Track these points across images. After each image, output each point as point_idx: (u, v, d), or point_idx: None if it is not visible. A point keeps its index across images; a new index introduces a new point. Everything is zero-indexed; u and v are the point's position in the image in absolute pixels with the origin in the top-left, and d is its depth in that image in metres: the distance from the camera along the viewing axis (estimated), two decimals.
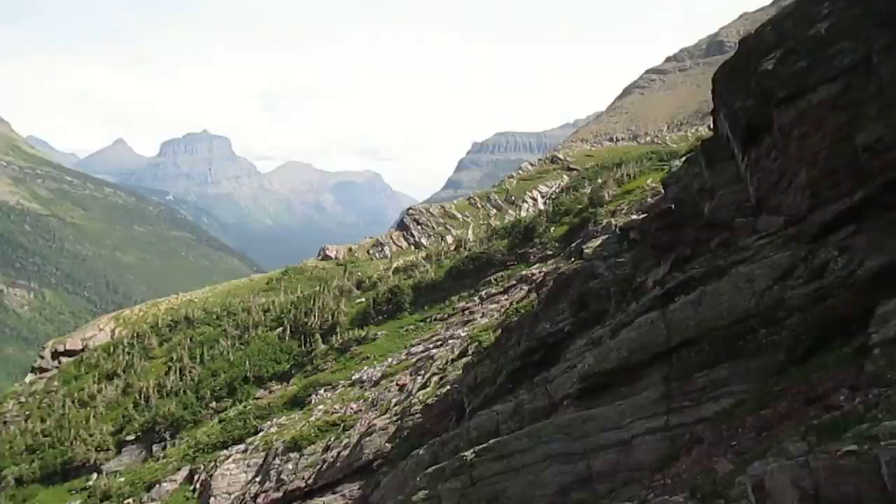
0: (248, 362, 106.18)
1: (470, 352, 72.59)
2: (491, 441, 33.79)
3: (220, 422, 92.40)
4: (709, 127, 55.83)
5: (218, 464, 75.70)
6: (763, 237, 32.50)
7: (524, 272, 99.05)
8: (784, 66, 33.49)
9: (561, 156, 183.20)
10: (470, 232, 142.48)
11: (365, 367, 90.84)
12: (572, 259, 77.64)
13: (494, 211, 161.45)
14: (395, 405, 71.27)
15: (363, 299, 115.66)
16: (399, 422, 63.82)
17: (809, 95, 31.47)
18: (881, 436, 12.73)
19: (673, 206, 44.32)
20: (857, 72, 30.01)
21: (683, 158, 76.16)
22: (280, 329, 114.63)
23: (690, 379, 29.19)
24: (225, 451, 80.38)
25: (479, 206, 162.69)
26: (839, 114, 30.19)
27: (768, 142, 34.23)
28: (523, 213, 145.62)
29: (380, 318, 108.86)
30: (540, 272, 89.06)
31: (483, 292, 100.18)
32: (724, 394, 27.94)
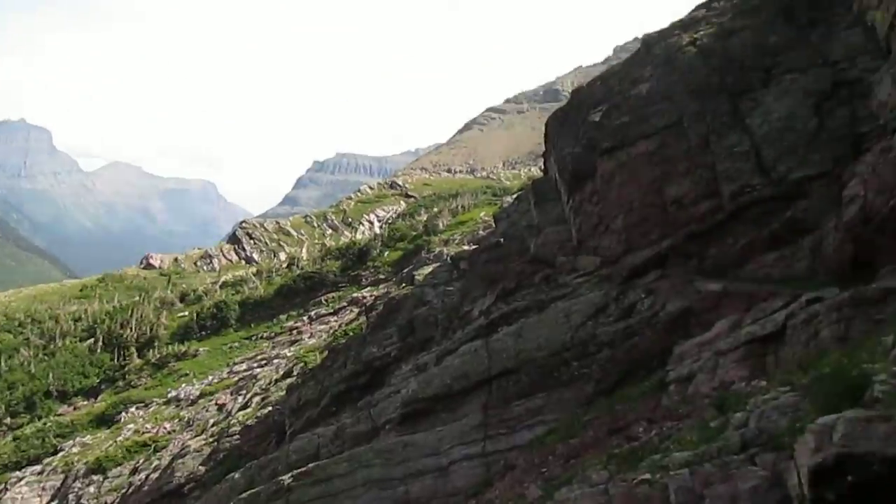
0: (51, 375, 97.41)
1: (295, 372, 71.25)
2: (310, 465, 33.27)
3: (14, 440, 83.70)
4: (540, 168, 59.04)
5: (8, 486, 68.70)
6: (581, 276, 34.71)
7: (355, 294, 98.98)
8: (609, 120, 36.24)
9: (400, 182, 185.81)
10: (304, 250, 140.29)
11: (183, 385, 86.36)
12: (403, 284, 78.72)
13: (330, 231, 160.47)
14: (213, 426, 68.37)
15: (186, 313, 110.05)
16: (216, 443, 61.23)
17: (629, 149, 34.26)
18: (671, 466, 13.95)
19: (502, 240, 46.33)
20: (670, 132, 33.08)
21: (515, 196, 79.83)
22: (91, 340, 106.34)
23: (508, 407, 30.44)
24: (18, 473, 73.01)
25: (316, 224, 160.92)
26: (653, 168, 33.06)
27: (591, 187, 36.79)
28: (359, 236, 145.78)
29: (203, 333, 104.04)
30: (371, 295, 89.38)
31: (313, 312, 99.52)
32: (538, 422, 29.36)
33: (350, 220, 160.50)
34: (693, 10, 39.64)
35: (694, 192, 31.60)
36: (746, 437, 12.50)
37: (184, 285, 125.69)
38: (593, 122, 36.91)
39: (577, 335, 30.29)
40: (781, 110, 30.16)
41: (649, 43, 39.36)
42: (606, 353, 29.21)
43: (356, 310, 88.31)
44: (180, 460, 60.69)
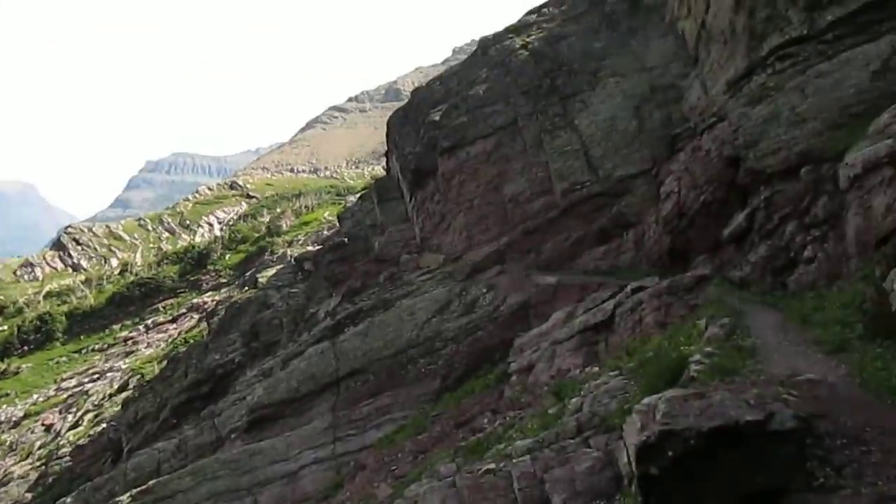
0: None
1: (131, 385, 67.36)
2: (151, 482, 31.58)
3: None
4: (383, 167, 59.23)
5: None
6: (425, 273, 35.28)
7: (195, 300, 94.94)
8: (448, 119, 37.06)
9: (241, 182, 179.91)
10: (138, 255, 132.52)
11: (3, 406, 78.81)
12: (246, 288, 76.46)
13: (167, 234, 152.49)
14: (40, 448, 63.32)
15: (5, 327, 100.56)
16: (44, 467, 56.84)
17: (468, 148, 35.23)
18: (514, 454, 14.51)
19: (346, 239, 46.06)
20: (506, 132, 34.37)
21: (359, 195, 79.58)
22: None
23: (357, 407, 30.38)
24: None
25: (151, 228, 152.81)
26: (491, 167, 34.22)
27: (433, 186, 37.51)
28: (198, 239, 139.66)
29: (25, 348, 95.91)
30: (212, 300, 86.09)
31: (149, 321, 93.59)
32: (386, 421, 29.53)
33: (188, 222, 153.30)
34: (525, 15, 41.35)
35: (530, 189, 33.00)
36: (581, 421, 13.22)
37: (1, 297, 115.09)
38: (433, 121, 37.59)
39: (422, 332, 30.73)
40: (606, 112, 32.15)
41: (485, 45, 40.62)
42: (451, 348, 29.86)
43: (196, 316, 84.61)
44: (3, 489, 55.59)
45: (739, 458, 7.45)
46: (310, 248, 78.76)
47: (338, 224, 64.62)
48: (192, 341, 69.82)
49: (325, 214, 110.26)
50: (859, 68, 19.27)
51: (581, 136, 32.23)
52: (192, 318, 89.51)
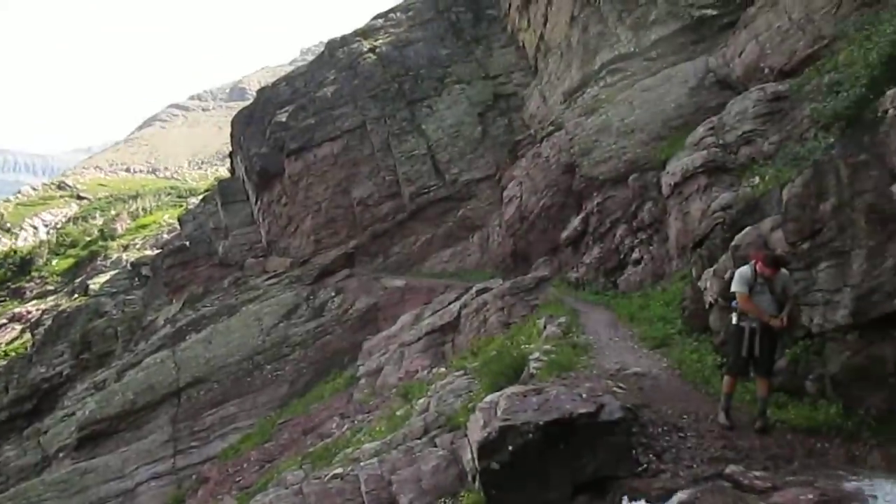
0: None
1: None
2: None
3: None
4: (228, 168, 57.24)
5: None
6: (272, 277, 34.52)
7: (18, 309, 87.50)
8: (295, 121, 36.50)
9: (70, 182, 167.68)
10: None
11: None
12: (76, 295, 71.47)
13: None
14: None
15: None
16: None
17: (315, 150, 34.87)
18: (362, 457, 14.53)
19: (188, 243, 44.10)
20: (354, 135, 34.35)
21: (202, 197, 76.38)
22: None
23: (199, 418, 29.20)
24: None
25: None
26: (339, 170, 34.07)
27: (280, 188, 36.76)
28: (21, 243, 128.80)
29: None
30: (37, 309, 79.75)
31: None
32: (231, 430, 28.58)
33: (9, 224, 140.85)
34: (372, 19, 41.50)
35: (378, 193, 33.15)
36: (427, 421, 13.46)
37: None
38: (280, 122, 36.89)
39: (269, 338, 30.06)
40: (452, 118, 32.92)
41: (332, 47, 40.37)
42: (299, 353, 29.42)
43: (19, 326, 77.77)
44: None
45: (574, 448, 7.89)
46: (147, 252, 74.75)
47: (179, 227, 61.70)
48: (13, 354, 64.16)
49: (165, 217, 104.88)
50: (679, 84, 20.96)
51: (428, 141, 32.81)
52: (13, 328, 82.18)
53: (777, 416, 8.65)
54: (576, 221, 23.35)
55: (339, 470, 13.83)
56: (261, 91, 43.98)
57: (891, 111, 7.75)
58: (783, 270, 8.49)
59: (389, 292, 29.52)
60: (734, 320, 8.71)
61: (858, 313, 8.02)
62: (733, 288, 8.65)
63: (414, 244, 32.49)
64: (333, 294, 30.64)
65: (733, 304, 8.75)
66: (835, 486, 6.58)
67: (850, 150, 8.29)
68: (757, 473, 7.20)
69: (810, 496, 6.07)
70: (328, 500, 13.04)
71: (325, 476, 13.81)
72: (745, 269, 8.63)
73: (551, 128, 25.18)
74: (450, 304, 23.82)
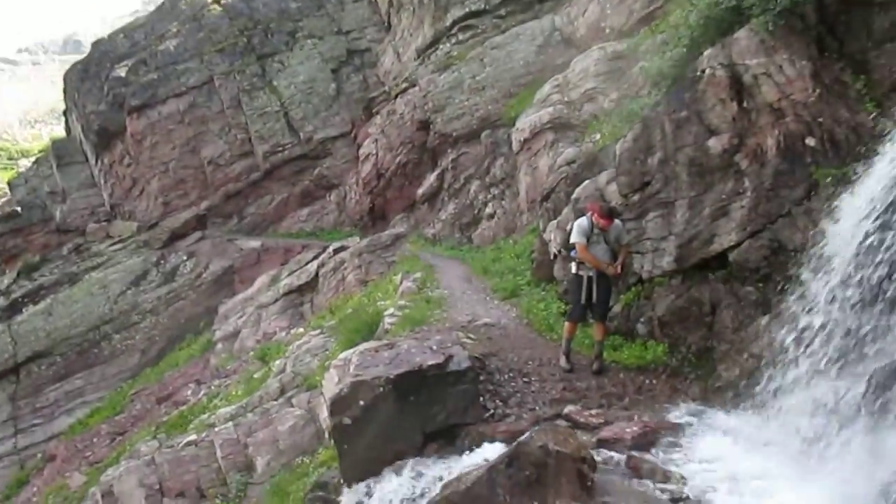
0: None
1: None
2: None
3: None
4: (63, 127, 53.08)
5: None
6: (118, 242, 32.60)
7: None
8: (136, 76, 34.23)
9: None
10: None
11: None
12: None
13: None
14: None
15: None
16: None
17: (160, 107, 32.93)
18: (217, 422, 14.28)
19: (20, 209, 40.69)
20: (202, 91, 32.70)
21: (35, 159, 70.44)
22: None
23: (42, 394, 27.49)
24: None
25: None
26: (187, 128, 32.43)
27: (122, 148, 34.56)
28: None
29: None
30: None
31: None
32: (79, 405, 27.13)
33: None
34: None
35: (230, 151, 31.97)
36: (284, 382, 13.39)
37: None
38: (119, 77, 34.50)
39: (116, 306, 28.60)
40: (305, 74, 32.11)
41: None
42: (151, 320, 28.24)
43: None
44: None
45: (424, 399, 8.11)
46: None
47: (9, 192, 56.73)
48: None
49: None
50: (527, 42, 21.49)
51: (281, 98, 31.87)
52: None
53: (612, 358, 9.27)
54: (431, 178, 23.62)
55: (194, 437, 13.58)
56: (96, 44, 40.77)
57: (707, 71, 8.33)
58: (617, 221, 9.02)
59: (245, 254, 28.77)
60: (573, 269, 9.16)
61: (681, 259, 8.69)
62: (572, 239, 9.12)
63: (269, 204, 31.71)
64: (185, 258, 29.47)
65: (573, 254, 9.17)
66: (657, 417, 7.19)
67: (674, 107, 8.84)
68: (592, 411, 7.74)
69: (635, 428, 6.61)
70: (182, 467, 12.79)
71: (179, 444, 13.49)
72: (582, 221, 9.03)
73: (405, 84, 25.13)
74: (307, 263, 23.57)
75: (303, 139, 31.38)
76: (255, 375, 16.57)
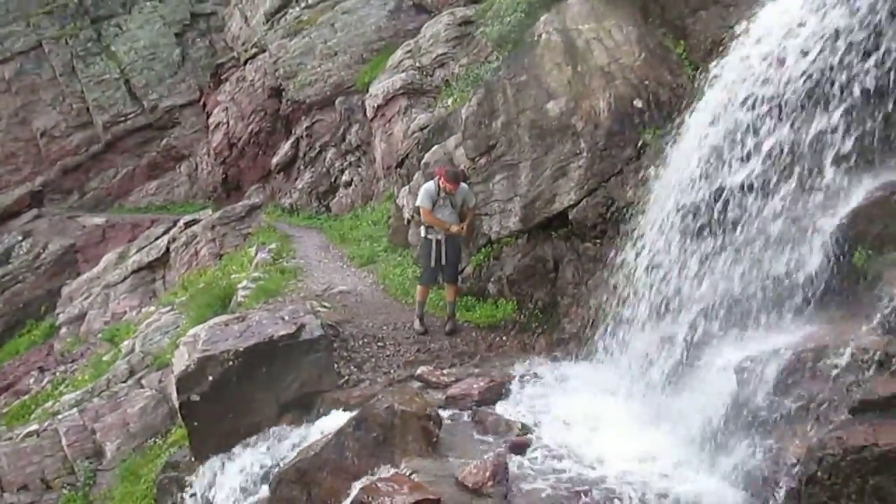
0: None
1: None
2: None
3: None
4: None
5: None
6: None
7: None
8: None
9: None
10: None
11: None
12: None
13: None
14: None
15: None
16: None
17: None
18: (62, 409, 13.46)
19: None
20: (29, 57, 30.10)
21: None
22: None
23: None
24: None
25: None
26: (14, 97, 29.77)
27: None
28: None
29: None
30: None
31: None
32: None
33: None
34: None
35: (66, 122, 29.72)
36: (133, 362, 12.82)
37: None
38: None
39: None
40: (146, 38, 30.25)
41: None
42: None
43: None
44: None
45: (277, 370, 8.04)
46: None
47: None
48: None
49: None
50: (378, 7, 21.26)
51: (120, 64, 29.86)
52: None
53: (465, 318, 9.52)
54: (286, 146, 23.06)
55: (35, 426, 12.76)
56: None
57: (543, 36, 8.59)
58: (463, 185, 9.14)
59: (88, 231, 27.00)
60: (423, 234, 9.23)
61: (526, 219, 9.01)
62: (417, 203, 9.21)
63: (114, 178, 29.82)
64: (20, 238, 27.26)
65: (423, 218, 9.27)
66: (505, 372, 7.49)
67: (514, 72, 9.07)
68: (444, 371, 7.94)
69: (482, 384, 6.84)
70: (23, 459, 12.03)
71: (19, 435, 12.65)
72: (429, 185, 9.09)
73: (255, 50, 24.24)
74: (157, 238, 22.42)
75: (147, 108, 29.65)
76: (104, 358, 15.73)
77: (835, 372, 4.26)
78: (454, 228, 8.96)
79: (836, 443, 3.85)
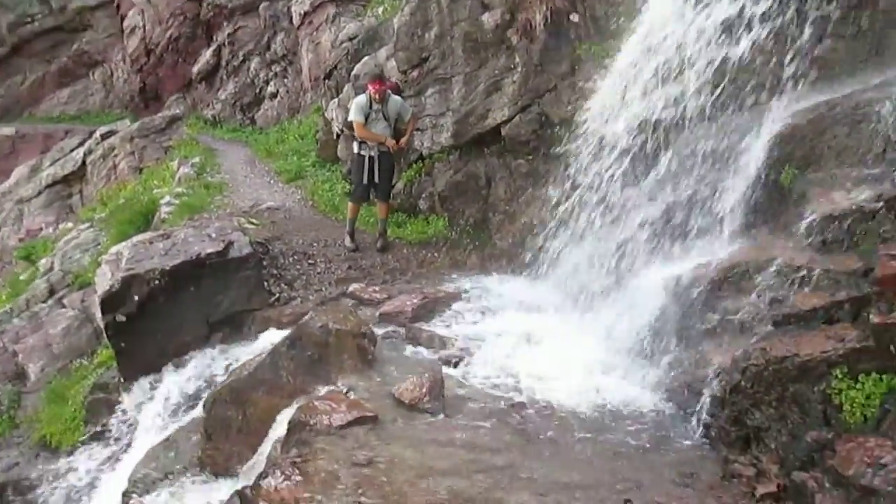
0: None
1: None
2: None
3: None
4: None
5: None
6: None
7: None
8: None
9: None
10: None
11: None
12: None
13: None
14: None
15: None
16: None
17: None
18: None
19: None
20: None
21: None
22: None
23: None
24: None
25: None
26: None
27: None
28: None
29: None
30: None
31: None
32: None
33: None
34: None
35: None
36: (52, 281, 12.37)
37: None
38: None
39: None
40: None
41: None
42: None
43: None
44: None
45: (205, 288, 7.85)
46: None
47: None
48: None
49: None
50: None
51: None
52: None
53: (396, 235, 9.45)
54: (207, 54, 22.03)
55: None
56: None
57: None
58: (395, 97, 8.82)
59: None
60: (356, 150, 8.91)
61: (458, 135, 8.89)
62: (350, 117, 8.87)
63: (22, 84, 28.01)
64: None
65: (354, 133, 8.93)
66: (437, 288, 7.51)
67: None
68: (376, 288, 7.91)
69: (415, 300, 6.86)
70: None
71: None
72: (360, 98, 8.72)
73: None
74: (72, 151, 21.36)
75: (55, 9, 27.66)
76: (21, 277, 15.12)
77: (759, 287, 4.43)
78: (389, 142, 8.71)
79: (760, 353, 4.02)
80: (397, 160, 9.54)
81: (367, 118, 8.68)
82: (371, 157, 8.80)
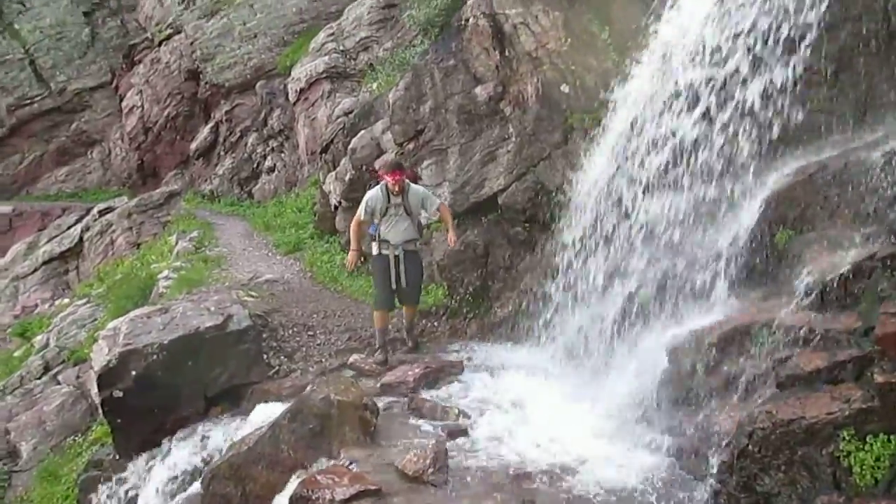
0: None
1: None
2: None
3: None
4: None
5: None
6: None
7: None
8: None
9: None
10: None
11: None
12: None
13: None
14: None
15: None
16: None
17: None
18: None
19: None
20: None
21: None
22: None
23: None
24: None
25: None
26: None
27: None
28: None
29: None
30: None
31: None
32: None
33: None
34: None
35: None
36: (48, 357, 12.26)
37: None
38: None
39: None
40: (52, 17, 28.82)
41: None
42: None
43: None
44: None
45: (203, 362, 7.79)
46: None
47: None
48: None
49: None
50: None
51: (24, 44, 28.36)
52: None
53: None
54: (205, 131, 22.40)
55: None
56: None
57: (471, 20, 8.57)
58: (415, 186, 7.78)
59: None
60: (374, 250, 7.65)
61: (455, 204, 8.98)
62: (358, 214, 7.76)
63: (20, 164, 28.37)
64: None
65: (371, 230, 7.65)
66: (438, 358, 7.48)
67: (442, 56, 9.03)
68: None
69: (416, 370, 6.82)
70: None
71: None
72: (374, 192, 7.57)
73: (169, 31, 23.41)
74: (70, 227, 21.47)
75: (54, 90, 28.27)
76: (16, 354, 15.01)
77: (761, 349, 4.43)
78: (451, 238, 7.67)
79: (766, 416, 3.99)
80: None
81: (384, 215, 7.50)
82: (396, 258, 7.52)
